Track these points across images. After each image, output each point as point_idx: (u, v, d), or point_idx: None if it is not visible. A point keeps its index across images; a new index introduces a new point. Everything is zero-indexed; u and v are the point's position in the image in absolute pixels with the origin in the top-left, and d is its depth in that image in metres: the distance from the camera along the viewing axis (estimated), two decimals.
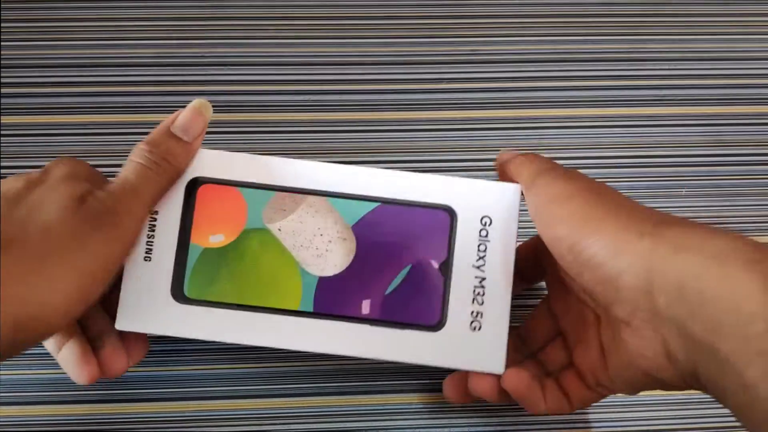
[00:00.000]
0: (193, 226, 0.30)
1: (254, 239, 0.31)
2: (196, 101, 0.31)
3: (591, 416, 0.38)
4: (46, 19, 0.47)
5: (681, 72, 0.47)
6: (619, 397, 0.39)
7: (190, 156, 0.30)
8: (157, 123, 0.44)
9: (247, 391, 0.38)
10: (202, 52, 0.46)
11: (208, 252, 0.31)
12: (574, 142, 0.44)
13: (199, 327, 0.30)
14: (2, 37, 0.46)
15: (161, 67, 0.46)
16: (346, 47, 0.47)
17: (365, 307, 0.30)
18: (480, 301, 0.30)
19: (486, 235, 0.31)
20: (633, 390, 0.29)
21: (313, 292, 0.30)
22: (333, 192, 0.31)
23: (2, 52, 0.46)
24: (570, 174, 0.29)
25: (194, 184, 0.31)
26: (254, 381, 0.39)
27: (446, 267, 0.31)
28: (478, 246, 0.31)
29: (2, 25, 0.47)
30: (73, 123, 0.44)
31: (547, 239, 0.28)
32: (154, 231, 0.30)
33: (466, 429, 0.38)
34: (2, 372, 0.38)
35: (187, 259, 0.30)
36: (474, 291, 0.30)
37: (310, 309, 0.30)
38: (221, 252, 0.31)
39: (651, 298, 0.24)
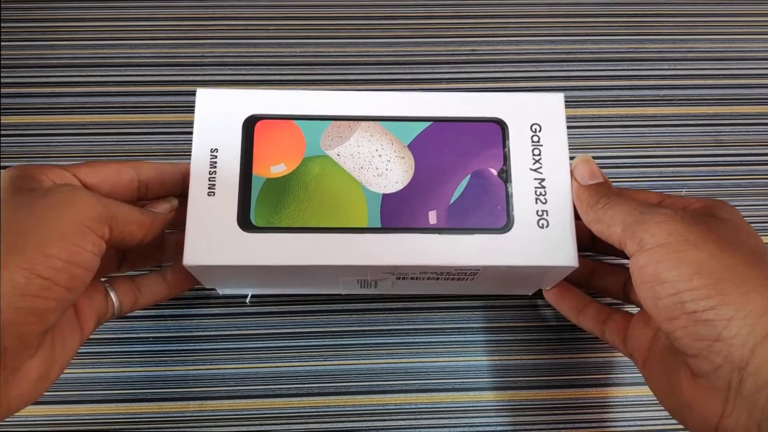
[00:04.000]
0: (254, 159, 0.31)
1: (315, 166, 0.31)
2: (168, 200, 0.31)
3: (591, 416, 0.39)
4: (46, 19, 0.47)
5: (681, 72, 0.47)
6: (620, 396, 0.39)
7: (164, 220, 0.31)
8: (156, 123, 0.44)
9: (247, 391, 0.38)
10: (202, 52, 0.46)
11: (270, 182, 0.31)
12: (574, 142, 0.44)
13: (269, 254, 0.30)
14: (2, 37, 0.46)
15: (161, 67, 0.46)
16: (346, 47, 0.47)
17: (432, 218, 0.31)
18: (543, 201, 0.31)
19: (538, 141, 0.32)
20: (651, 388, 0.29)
21: (379, 209, 0.31)
22: (385, 116, 0.32)
23: (2, 52, 0.46)
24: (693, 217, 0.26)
25: (251, 122, 0.32)
26: (254, 381, 0.39)
27: (505, 173, 0.32)
28: (533, 151, 0.32)
29: (2, 25, 0.47)
30: (73, 123, 0.44)
31: (642, 277, 0.25)
32: (215, 167, 0.31)
33: (466, 429, 0.38)
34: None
35: (251, 190, 0.31)
36: (536, 192, 0.31)
37: (379, 225, 0.31)
38: (284, 181, 0.31)
39: (740, 375, 0.23)
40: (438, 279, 0.33)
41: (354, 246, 0.30)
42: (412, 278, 0.33)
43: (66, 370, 0.38)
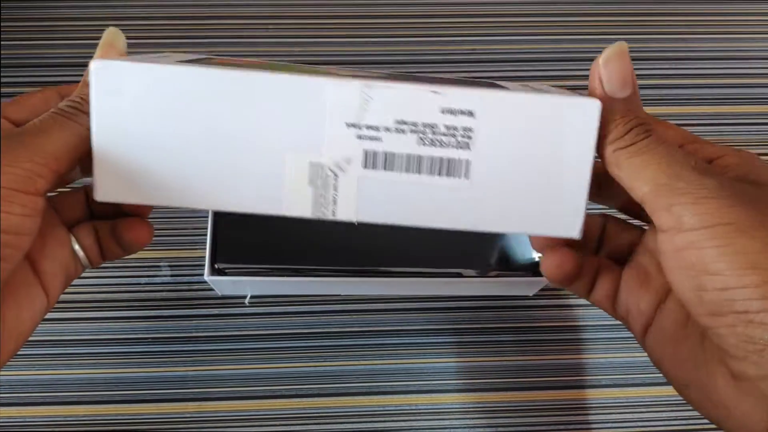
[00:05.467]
0: None
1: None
2: (105, 33, 0.26)
3: (590, 417, 0.38)
4: (46, 18, 0.47)
5: (681, 71, 0.47)
6: (621, 397, 0.39)
7: None
8: None
9: (246, 392, 0.38)
10: (202, 51, 0.46)
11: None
12: None
13: None
14: (2, 37, 0.46)
15: None
16: (346, 47, 0.47)
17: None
18: None
19: None
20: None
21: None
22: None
23: (2, 52, 0.46)
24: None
25: None
26: (254, 382, 0.38)
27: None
28: None
29: (2, 25, 0.47)
30: None
31: (680, 262, 0.21)
32: None
33: (466, 430, 0.38)
34: (2, 372, 0.38)
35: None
36: None
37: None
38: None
39: None
40: (423, 137, 0.24)
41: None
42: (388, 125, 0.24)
43: (65, 372, 0.38)
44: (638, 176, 0.22)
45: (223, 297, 0.40)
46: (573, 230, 0.25)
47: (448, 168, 0.25)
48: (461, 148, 0.25)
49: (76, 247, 0.27)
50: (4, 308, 0.23)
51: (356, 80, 0.23)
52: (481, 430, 0.38)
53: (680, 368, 0.24)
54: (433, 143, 0.24)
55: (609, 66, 0.23)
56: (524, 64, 0.46)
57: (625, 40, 0.52)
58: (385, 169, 0.25)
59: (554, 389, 0.39)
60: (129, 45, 0.48)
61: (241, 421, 0.38)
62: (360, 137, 0.24)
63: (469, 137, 0.24)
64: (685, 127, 0.47)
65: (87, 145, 0.24)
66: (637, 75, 0.50)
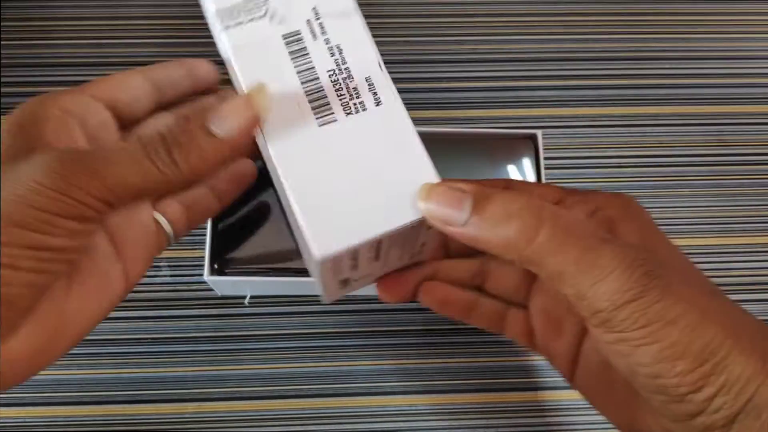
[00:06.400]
0: None
1: None
2: (252, 88, 0.24)
3: (591, 418, 0.38)
4: (46, 18, 0.47)
5: (682, 71, 0.47)
6: None
7: (218, 157, 0.23)
8: None
9: (245, 393, 0.38)
10: (202, 51, 0.46)
11: None
12: (574, 142, 0.44)
13: None
14: (2, 36, 0.46)
15: None
16: None
17: None
18: None
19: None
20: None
21: None
22: None
23: (2, 52, 0.46)
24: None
25: None
26: (253, 382, 0.38)
27: None
28: None
29: (2, 25, 0.47)
30: None
31: (613, 353, 0.22)
32: None
33: (466, 430, 0.38)
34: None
35: None
36: None
37: None
38: None
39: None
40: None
41: None
42: None
43: (64, 372, 0.38)
44: (597, 295, 0.21)
45: (223, 297, 0.40)
46: (320, 250, 0.21)
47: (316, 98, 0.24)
48: (347, 108, 0.25)
49: (162, 220, 0.25)
50: (76, 292, 0.21)
51: None
52: (482, 430, 0.38)
53: (618, 412, 0.26)
54: (335, 77, 0.25)
55: (431, 202, 0.22)
56: (525, 64, 0.46)
57: (627, 38, 0.52)
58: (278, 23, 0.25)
59: (555, 389, 0.39)
60: (129, 45, 0.48)
61: (241, 422, 0.38)
62: None
63: (361, 108, 0.25)
64: (685, 127, 0.47)
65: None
66: (637, 75, 0.50)
